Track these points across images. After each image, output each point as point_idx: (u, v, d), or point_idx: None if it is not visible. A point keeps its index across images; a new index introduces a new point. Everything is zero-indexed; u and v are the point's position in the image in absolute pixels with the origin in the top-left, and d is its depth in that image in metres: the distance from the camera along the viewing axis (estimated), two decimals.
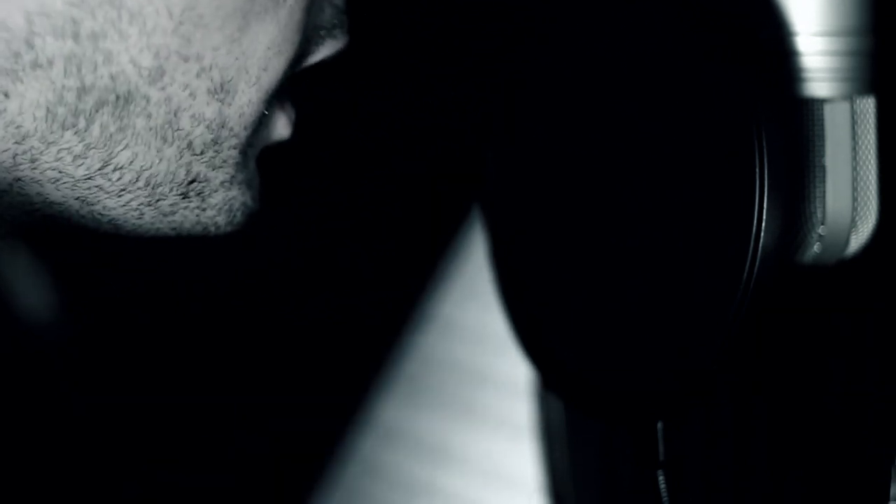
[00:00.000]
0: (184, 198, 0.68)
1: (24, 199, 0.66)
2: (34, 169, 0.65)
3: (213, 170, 0.67)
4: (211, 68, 0.65)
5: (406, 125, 1.13)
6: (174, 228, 0.69)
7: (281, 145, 0.71)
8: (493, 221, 0.77)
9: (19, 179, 0.65)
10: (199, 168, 0.67)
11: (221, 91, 0.65)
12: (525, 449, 1.00)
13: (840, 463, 0.77)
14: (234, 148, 0.67)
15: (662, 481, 0.68)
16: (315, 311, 1.14)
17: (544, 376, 0.75)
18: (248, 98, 0.66)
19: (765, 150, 0.63)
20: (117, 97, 0.64)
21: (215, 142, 0.67)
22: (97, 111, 0.64)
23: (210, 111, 0.66)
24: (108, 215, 0.67)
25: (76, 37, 0.62)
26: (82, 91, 0.63)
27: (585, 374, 0.72)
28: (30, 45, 0.61)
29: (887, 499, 0.75)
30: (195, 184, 0.67)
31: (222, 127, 0.66)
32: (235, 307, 1.12)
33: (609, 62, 0.70)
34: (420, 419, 1.10)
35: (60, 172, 0.65)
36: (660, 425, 0.68)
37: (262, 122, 0.68)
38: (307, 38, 0.68)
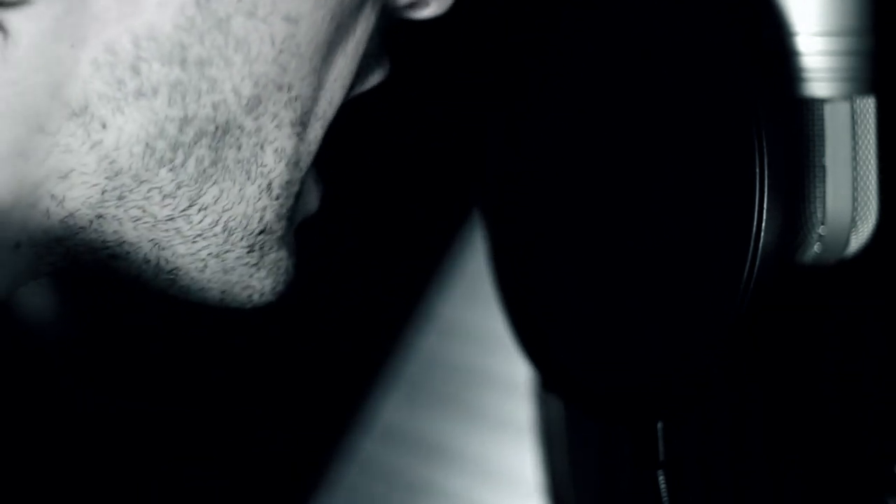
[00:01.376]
0: (249, 252, 0.66)
1: (98, 237, 0.64)
2: (119, 207, 0.63)
3: (279, 220, 0.66)
4: (296, 99, 0.64)
5: (406, 125, 1.13)
6: (223, 291, 0.67)
7: None
8: (493, 222, 0.77)
9: (101, 217, 0.63)
10: (269, 216, 0.65)
11: (299, 124, 0.64)
12: (525, 449, 1.00)
13: (839, 462, 0.77)
14: (295, 197, 0.66)
15: (662, 481, 0.68)
16: (315, 311, 1.14)
17: (544, 376, 0.75)
18: (315, 133, 0.66)
19: (765, 150, 0.63)
20: (216, 128, 0.62)
21: (289, 184, 0.65)
22: (195, 144, 0.62)
23: (290, 146, 0.64)
24: (174, 263, 0.65)
25: (183, 63, 0.60)
26: (184, 122, 0.61)
27: (585, 374, 0.72)
28: (135, 72, 0.60)
29: (887, 498, 0.75)
30: (262, 235, 0.66)
31: (296, 167, 0.65)
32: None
33: (609, 62, 0.70)
34: (420, 419, 1.10)
35: (144, 212, 0.63)
36: (660, 425, 0.68)
37: (301, 190, 0.67)
38: (358, 69, 0.67)
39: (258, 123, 0.63)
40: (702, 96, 0.66)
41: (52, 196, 0.62)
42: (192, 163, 0.62)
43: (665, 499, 0.68)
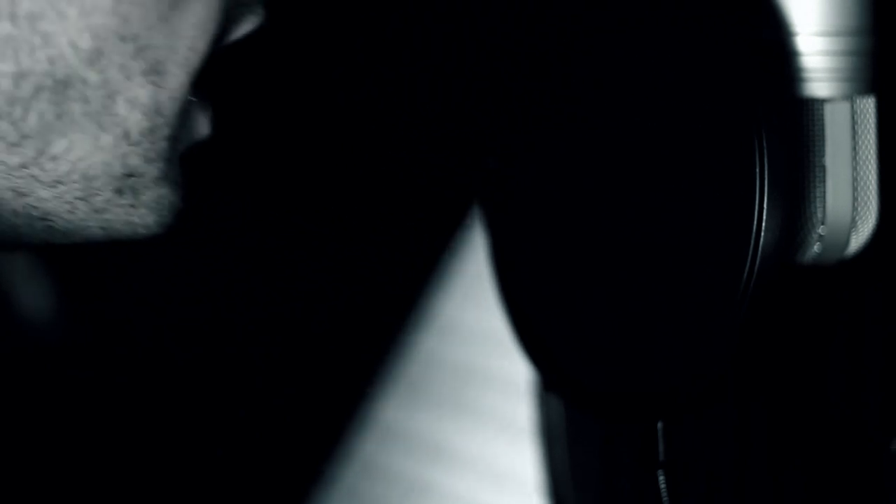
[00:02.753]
0: (118, 194, 0.65)
1: None
2: None
3: (148, 163, 0.65)
4: (146, 48, 0.63)
5: (406, 125, 1.13)
6: (104, 228, 0.66)
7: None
8: (493, 222, 0.77)
9: None
10: (135, 161, 0.65)
11: (154, 73, 0.63)
12: (525, 449, 1.00)
13: (840, 463, 0.77)
14: (166, 139, 0.65)
15: (662, 481, 0.68)
16: (315, 311, 1.14)
17: (544, 377, 0.75)
18: (179, 81, 0.64)
19: (765, 150, 0.63)
20: (55, 82, 0.62)
21: (151, 131, 0.64)
22: (34, 98, 0.62)
23: (145, 95, 0.64)
24: (41, 208, 0.65)
25: (13, 17, 0.60)
26: (19, 77, 0.61)
27: (585, 374, 0.72)
28: None
29: (887, 499, 0.75)
30: (131, 178, 0.65)
31: (157, 113, 0.64)
32: (236, 307, 1.12)
33: (609, 63, 0.70)
34: (420, 419, 1.10)
35: None
36: (660, 425, 0.68)
37: (186, 113, 0.66)
38: (228, 17, 0.66)
39: (104, 76, 0.62)
40: (702, 97, 0.66)
41: None
42: (33, 116, 0.62)
43: (665, 499, 0.68)
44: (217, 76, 0.67)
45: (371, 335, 1.12)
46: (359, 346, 1.13)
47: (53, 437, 1.10)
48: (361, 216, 1.15)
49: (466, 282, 1.10)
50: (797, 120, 0.66)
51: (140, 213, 0.67)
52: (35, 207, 0.65)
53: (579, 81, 0.72)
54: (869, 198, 0.68)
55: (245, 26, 0.68)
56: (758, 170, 0.63)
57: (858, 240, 0.68)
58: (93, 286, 1.13)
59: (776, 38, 0.66)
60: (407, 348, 1.11)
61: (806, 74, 0.66)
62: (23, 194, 0.64)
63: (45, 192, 0.64)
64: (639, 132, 0.69)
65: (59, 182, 0.64)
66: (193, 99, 0.66)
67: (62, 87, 0.62)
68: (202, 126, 0.69)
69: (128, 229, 0.67)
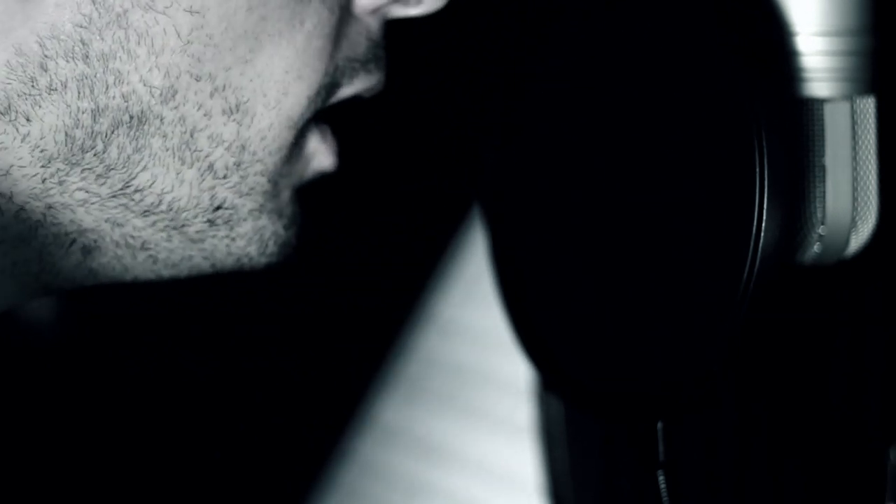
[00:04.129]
0: (211, 225, 0.68)
1: (59, 229, 0.66)
2: (63, 193, 0.65)
3: (240, 197, 0.68)
4: (225, 88, 0.65)
5: (406, 124, 1.13)
6: (206, 258, 0.69)
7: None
8: (493, 222, 0.77)
9: (51, 207, 0.66)
10: (224, 194, 0.67)
11: (237, 112, 0.66)
12: (525, 449, 0.99)
13: (840, 463, 0.77)
14: (262, 175, 0.68)
15: (662, 481, 0.68)
16: (315, 312, 1.14)
17: (544, 377, 0.75)
18: (268, 122, 0.67)
19: (765, 150, 0.63)
20: (131, 117, 0.64)
21: (238, 165, 0.67)
22: (113, 132, 0.64)
23: (228, 132, 0.66)
24: (139, 236, 0.67)
25: (86, 58, 0.63)
26: (97, 112, 0.64)
27: (585, 374, 0.72)
28: (44, 69, 0.63)
29: (887, 499, 0.75)
30: (221, 210, 0.68)
31: (243, 150, 0.67)
32: (236, 307, 1.12)
33: (609, 62, 0.70)
34: (420, 419, 1.10)
35: (87, 192, 0.66)
36: (660, 425, 0.68)
37: (294, 152, 0.69)
38: (340, 70, 0.68)
39: (180, 113, 0.65)
40: (702, 97, 0.66)
41: (1, 194, 0.65)
42: (113, 150, 0.65)
43: (665, 499, 0.68)
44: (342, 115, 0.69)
45: (371, 335, 1.12)
46: (359, 346, 1.13)
47: (53, 438, 1.10)
48: (361, 216, 1.15)
49: (466, 282, 1.10)
50: (797, 120, 0.66)
51: (239, 244, 0.69)
52: (133, 237, 0.67)
53: (580, 82, 0.72)
54: (869, 198, 0.68)
55: (358, 83, 0.70)
56: (758, 170, 0.63)
57: (858, 240, 0.68)
58: (93, 286, 1.13)
59: (776, 38, 0.66)
60: (407, 348, 1.11)
61: (806, 74, 0.66)
62: (119, 224, 0.67)
63: (139, 222, 0.67)
64: (639, 132, 0.69)
65: (150, 212, 0.67)
66: (296, 142, 0.68)
67: (138, 122, 0.65)
68: (322, 160, 0.71)
69: (231, 260, 0.70)
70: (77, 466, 1.11)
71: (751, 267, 0.63)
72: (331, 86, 0.68)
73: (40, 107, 0.63)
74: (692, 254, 0.66)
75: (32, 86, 0.63)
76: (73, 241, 0.67)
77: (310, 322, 1.14)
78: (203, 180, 0.66)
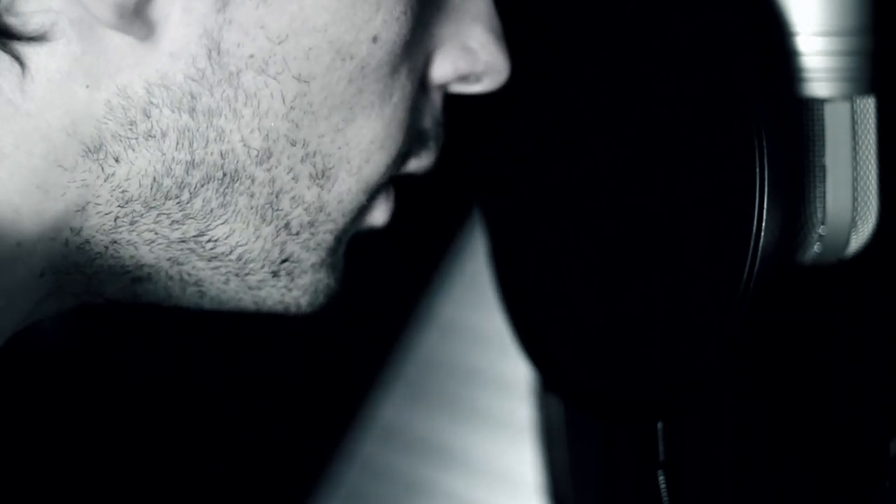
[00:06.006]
0: (274, 276, 0.68)
1: (117, 262, 0.66)
2: (132, 231, 0.65)
3: (307, 251, 0.68)
4: (315, 154, 0.66)
5: None
6: (256, 303, 0.70)
7: None
8: (493, 222, 0.77)
9: (115, 242, 0.65)
10: (293, 248, 0.68)
11: (322, 177, 0.66)
12: (525, 449, 1.00)
13: (840, 463, 0.77)
14: (331, 233, 0.69)
15: (662, 481, 0.68)
16: (315, 311, 1.14)
17: (544, 377, 0.75)
18: (347, 187, 0.67)
19: (765, 150, 0.63)
20: (224, 174, 0.64)
21: (311, 224, 0.68)
22: (202, 186, 0.64)
23: (310, 195, 0.67)
24: (195, 276, 0.68)
25: (192, 111, 0.63)
26: (191, 165, 0.64)
27: (585, 374, 0.72)
28: (146, 115, 0.62)
29: (887, 499, 0.75)
30: (287, 263, 0.68)
31: (320, 211, 0.67)
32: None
33: (609, 62, 0.70)
34: (420, 419, 1.10)
35: (157, 234, 0.66)
36: (660, 425, 0.68)
37: (360, 212, 0.69)
38: (413, 140, 0.70)
39: (271, 175, 0.65)
40: (702, 96, 0.66)
41: (71, 228, 0.64)
42: (198, 202, 0.65)
43: (665, 499, 0.68)
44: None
45: (371, 335, 1.12)
46: (359, 346, 1.13)
47: (53, 438, 1.10)
48: None
49: (466, 282, 1.10)
50: (797, 120, 0.66)
51: (294, 294, 0.70)
52: (190, 275, 0.68)
53: (580, 82, 0.72)
54: (869, 198, 0.68)
55: (425, 157, 0.71)
56: (758, 170, 0.63)
57: (858, 240, 0.68)
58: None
59: (776, 38, 0.66)
60: (407, 348, 1.11)
61: (806, 74, 0.66)
62: (180, 263, 0.67)
63: (201, 264, 0.67)
64: (639, 132, 0.69)
65: (216, 258, 0.67)
66: (367, 203, 0.69)
67: (230, 180, 0.65)
68: (378, 217, 0.72)
69: (279, 307, 0.71)
70: (79, 467, 1.11)
71: (751, 267, 0.63)
72: (405, 155, 0.70)
73: (133, 150, 0.63)
74: (692, 254, 0.66)
75: (130, 129, 0.62)
76: (128, 272, 0.67)
77: (310, 322, 1.14)
78: (277, 236, 0.67)
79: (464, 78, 0.71)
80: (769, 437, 0.80)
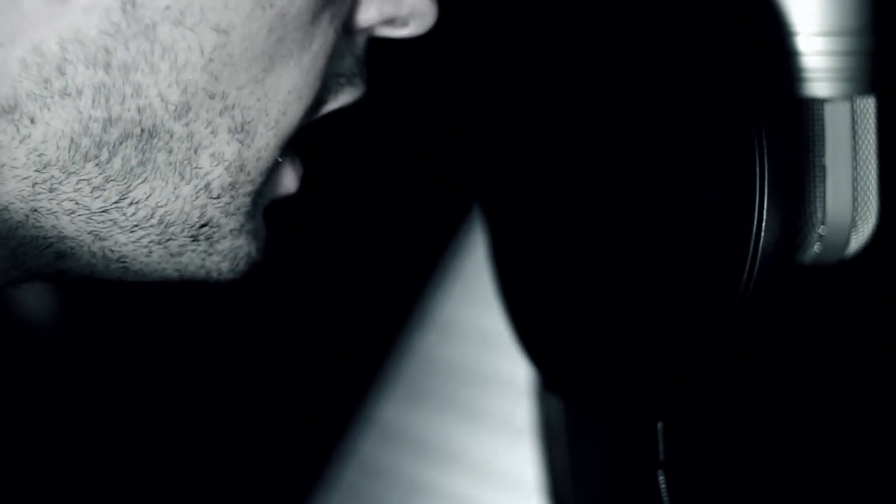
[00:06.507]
0: (193, 240, 0.67)
1: (38, 233, 0.65)
2: (52, 199, 0.64)
3: (226, 216, 0.67)
4: (234, 107, 0.65)
5: (406, 124, 1.13)
6: (178, 270, 0.69)
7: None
8: (493, 222, 0.77)
9: (36, 210, 0.64)
10: (213, 212, 0.67)
11: (241, 131, 0.65)
12: (525, 449, 1.00)
13: (840, 463, 0.77)
14: (249, 195, 0.68)
15: (662, 481, 0.68)
16: (315, 311, 1.14)
17: (544, 377, 0.75)
18: (266, 141, 0.66)
19: (765, 150, 0.63)
20: (142, 131, 0.64)
21: (232, 186, 0.67)
22: (121, 144, 0.64)
23: (230, 151, 0.66)
24: (118, 251, 0.67)
25: (107, 67, 0.62)
26: (108, 123, 0.63)
27: (585, 374, 0.72)
28: (61, 72, 0.62)
29: (886, 499, 0.75)
30: (206, 228, 0.67)
31: (240, 170, 0.66)
32: (236, 307, 1.12)
33: (608, 62, 0.70)
34: (420, 419, 1.10)
35: (77, 204, 0.65)
36: (660, 425, 0.68)
37: (273, 172, 0.68)
38: (325, 86, 0.68)
39: (189, 129, 0.64)
40: (702, 96, 0.66)
41: None
42: (117, 161, 0.64)
43: (665, 499, 0.68)
44: (311, 137, 0.69)
45: (371, 335, 1.12)
46: (359, 346, 1.13)
47: (53, 438, 1.10)
48: (361, 216, 1.15)
49: (466, 282, 1.10)
50: (797, 120, 0.66)
51: (214, 259, 0.69)
52: (112, 251, 0.67)
53: (579, 82, 0.72)
54: (869, 198, 0.68)
55: (343, 98, 0.70)
56: (758, 170, 0.63)
57: (858, 240, 0.68)
58: (93, 286, 1.13)
59: (776, 38, 0.66)
60: (407, 348, 1.11)
61: (806, 74, 0.66)
62: (102, 238, 0.66)
63: (123, 237, 0.66)
64: (639, 132, 0.69)
65: (138, 227, 0.66)
66: (281, 159, 0.68)
67: (148, 136, 0.64)
68: (289, 183, 0.71)
69: (201, 273, 0.69)
70: (77, 466, 1.11)
71: (751, 267, 0.63)
72: (317, 102, 0.68)
73: (49, 110, 0.62)
74: (692, 254, 0.66)
75: (45, 87, 0.62)
76: (50, 244, 0.66)
77: (310, 322, 1.14)
78: (197, 198, 0.66)
79: (389, 22, 0.69)
80: (769, 436, 0.80)
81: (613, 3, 0.70)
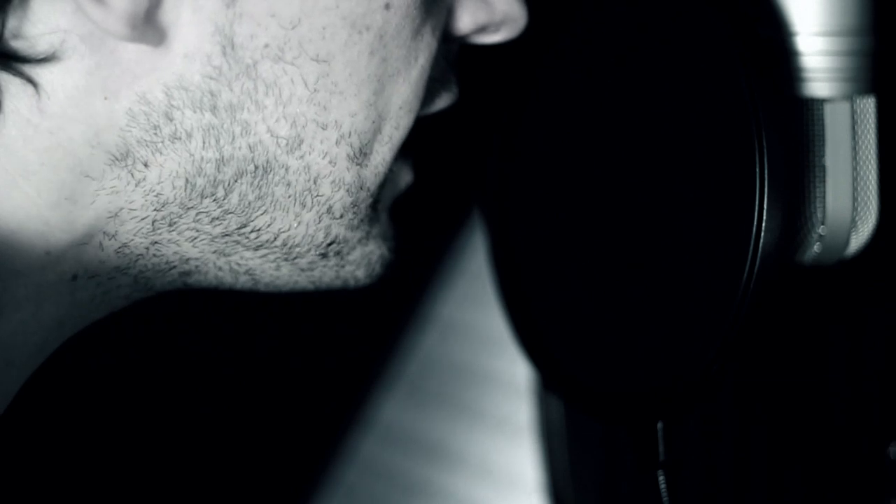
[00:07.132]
0: (323, 257, 0.68)
1: (160, 259, 0.66)
2: (172, 231, 0.65)
3: (352, 230, 0.68)
4: (350, 135, 0.65)
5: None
6: (313, 283, 0.69)
7: None
8: (493, 222, 0.77)
9: (156, 243, 0.65)
10: (337, 230, 0.67)
11: (359, 156, 0.66)
12: (525, 449, 1.00)
13: (840, 463, 0.77)
14: (370, 206, 0.68)
15: (662, 481, 0.68)
16: (315, 311, 1.14)
17: (544, 376, 0.75)
18: (382, 157, 0.67)
19: (765, 150, 0.63)
20: (256, 167, 0.64)
21: (354, 204, 0.67)
22: (236, 181, 0.64)
23: (350, 176, 0.66)
24: (245, 265, 0.67)
25: (214, 109, 0.62)
26: (221, 162, 0.63)
27: (585, 374, 0.72)
28: (169, 118, 0.62)
29: (886, 499, 0.75)
30: (334, 245, 0.68)
31: (360, 188, 0.67)
32: (236, 306, 1.12)
33: (609, 63, 0.70)
34: (420, 419, 1.10)
35: (198, 231, 0.65)
36: (660, 425, 0.68)
37: (389, 177, 0.69)
38: (427, 92, 0.69)
39: (305, 161, 0.65)
40: (702, 97, 0.66)
41: (105, 233, 0.64)
42: (234, 197, 0.65)
43: (665, 499, 0.68)
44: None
45: (371, 335, 1.12)
46: (359, 346, 1.13)
47: (52, 437, 1.10)
48: None
49: (466, 282, 1.10)
50: (797, 120, 0.66)
51: (347, 270, 0.70)
52: (239, 265, 0.68)
53: (579, 82, 0.72)
54: (869, 198, 0.68)
55: (442, 101, 0.71)
56: (758, 170, 0.63)
57: (858, 240, 0.68)
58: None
59: (776, 38, 0.66)
60: (407, 349, 1.11)
61: (806, 74, 0.66)
62: (226, 255, 0.67)
63: (248, 254, 0.67)
64: (639, 133, 0.69)
65: (262, 247, 0.67)
66: (393, 169, 0.68)
67: (263, 172, 0.64)
68: (405, 178, 0.72)
69: (337, 283, 0.70)
70: (77, 466, 1.11)
71: (751, 267, 0.63)
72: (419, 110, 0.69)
73: (161, 154, 0.63)
74: (692, 254, 0.66)
75: (155, 134, 0.62)
76: (173, 267, 0.67)
77: (310, 322, 1.14)
78: (320, 221, 0.67)
79: (482, 29, 0.70)
80: (769, 436, 0.80)
81: (614, 4, 0.70)
